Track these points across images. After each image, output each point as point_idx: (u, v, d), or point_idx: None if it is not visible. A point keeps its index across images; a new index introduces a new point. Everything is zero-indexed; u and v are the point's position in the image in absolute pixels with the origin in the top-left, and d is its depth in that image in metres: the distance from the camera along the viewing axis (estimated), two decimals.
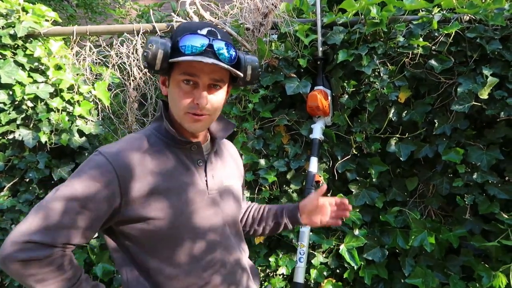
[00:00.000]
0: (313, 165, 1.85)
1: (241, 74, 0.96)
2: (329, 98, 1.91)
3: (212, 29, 0.94)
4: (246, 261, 1.13)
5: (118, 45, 2.22)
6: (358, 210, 1.87)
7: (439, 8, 1.80)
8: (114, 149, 0.92)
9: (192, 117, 0.94)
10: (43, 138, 2.06)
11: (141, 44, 2.13)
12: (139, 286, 0.95)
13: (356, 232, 1.87)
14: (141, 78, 2.23)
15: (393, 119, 1.85)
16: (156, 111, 2.38)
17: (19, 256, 0.79)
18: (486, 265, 1.69)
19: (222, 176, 1.07)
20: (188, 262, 0.96)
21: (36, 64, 2.13)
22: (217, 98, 0.96)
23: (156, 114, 1.06)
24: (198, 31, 0.91)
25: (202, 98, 0.91)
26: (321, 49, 1.89)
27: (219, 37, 0.92)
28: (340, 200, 1.19)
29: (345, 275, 1.85)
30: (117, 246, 0.98)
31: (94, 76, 2.33)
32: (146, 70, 2.21)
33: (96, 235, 1.98)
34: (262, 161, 1.97)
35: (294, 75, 1.95)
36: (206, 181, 1.00)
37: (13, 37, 2.08)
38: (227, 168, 1.11)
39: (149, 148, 0.96)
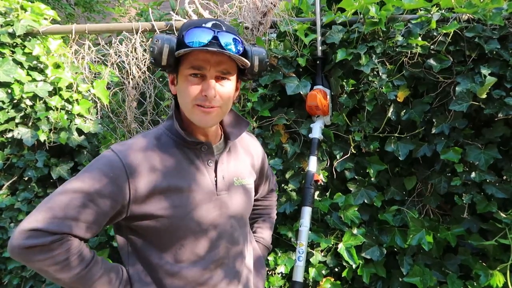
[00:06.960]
0: (312, 164, 1.85)
1: (248, 62, 0.95)
2: (328, 97, 1.91)
3: (217, 22, 0.94)
4: (250, 261, 1.14)
5: (117, 44, 2.22)
6: (356, 209, 1.88)
7: (438, 8, 1.80)
8: (125, 147, 0.94)
9: (201, 109, 0.93)
10: (42, 137, 2.06)
11: (140, 42, 2.13)
12: (141, 283, 0.96)
13: (355, 231, 1.87)
14: (140, 77, 2.23)
15: (391, 118, 1.86)
16: (154, 109, 2.39)
17: (25, 243, 0.82)
18: (484, 264, 1.70)
19: (234, 175, 1.05)
20: (190, 260, 0.97)
21: (34, 62, 2.13)
22: (226, 89, 0.94)
23: (169, 113, 1.07)
24: (203, 25, 0.92)
25: (210, 89, 0.90)
26: (320, 48, 1.89)
27: (224, 29, 0.92)
28: None
29: (343, 274, 1.86)
30: (123, 241, 0.99)
31: (93, 75, 2.33)
32: (145, 69, 2.21)
33: None
34: None
35: (293, 74, 1.96)
36: (216, 181, 1.00)
37: (12, 35, 2.07)
38: (240, 166, 1.09)
39: (160, 147, 0.96)
